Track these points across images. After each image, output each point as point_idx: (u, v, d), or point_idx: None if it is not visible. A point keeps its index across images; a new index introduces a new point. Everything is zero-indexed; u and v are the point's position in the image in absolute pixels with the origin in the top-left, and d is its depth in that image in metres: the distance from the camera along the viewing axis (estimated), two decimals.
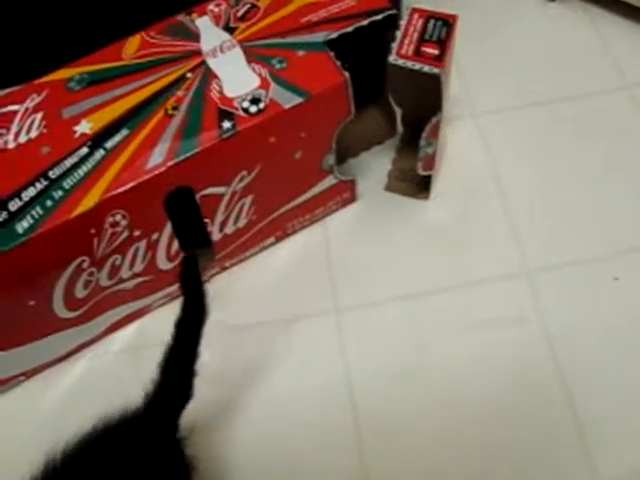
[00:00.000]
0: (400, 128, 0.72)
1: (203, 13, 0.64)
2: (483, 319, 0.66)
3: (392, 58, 0.59)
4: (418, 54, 0.59)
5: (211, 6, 0.65)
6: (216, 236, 0.64)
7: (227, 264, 0.69)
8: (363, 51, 0.64)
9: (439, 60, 0.58)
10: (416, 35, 0.60)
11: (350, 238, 0.71)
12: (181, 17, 0.64)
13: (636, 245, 0.69)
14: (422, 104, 0.61)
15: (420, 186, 0.72)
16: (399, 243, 0.70)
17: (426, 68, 0.58)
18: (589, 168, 0.74)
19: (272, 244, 0.70)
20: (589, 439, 0.60)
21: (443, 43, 0.59)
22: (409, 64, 0.59)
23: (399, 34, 0.60)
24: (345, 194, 0.71)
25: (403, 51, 0.59)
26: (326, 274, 0.69)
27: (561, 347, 0.64)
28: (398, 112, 0.71)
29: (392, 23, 0.63)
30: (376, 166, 0.74)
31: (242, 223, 0.65)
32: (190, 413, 0.53)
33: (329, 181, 0.68)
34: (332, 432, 0.62)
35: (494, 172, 0.74)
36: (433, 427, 0.62)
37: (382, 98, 0.71)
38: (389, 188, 0.73)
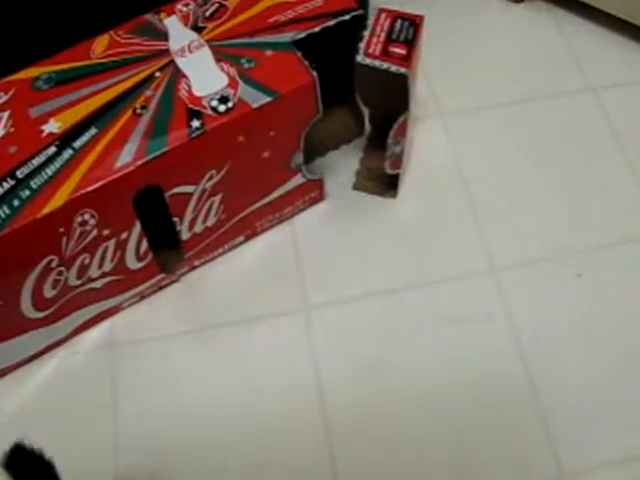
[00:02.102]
0: (368, 127, 0.73)
1: (171, 13, 0.64)
2: (451, 315, 0.67)
3: (360, 57, 0.60)
4: (385, 54, 0.59)
5: (179, 6, 0.65)
6: (185, 235, 0.64)
7: (196, 263, 0.69)
8: (331, 51, 0.65)
9: (406, 60, 0.59)
10: (383, 35, 0.61)
11: (318, 237, 0.71)
12: (149, 17, 0.64)
13: (599, 243, 0.71)
14: (389, 103, 0.62)
15: (388, 185, 0.72)
16: (367, 241, 0.71)
17: (393, 68, 0.59)
18: (553, 167, 0.75)
19: (241, 243, 0.70)
20: (554, 433, 0.61)
21: (410, 43, 0.60)
22: (377, 63, 0.59)
23: (367, 34, 0.61)
24: (313, 193, 0.71)
25: (371, 51, 0.60)
26: (295, 272, 0.69)
27: (527, 342, 0.65)
28: (366, 112, 0.71)
29: (359, 23, 0.63)
30: (344, 165, 0.75)
31: (211, 222, 0.65)
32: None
33: (297, 180, 0.68)
34: (301, 428, 0.62)
35: (461, 171, 0.75)
36: (401, 421, 0.62)
37: (350, 98, 0.72)
38: (357, 187, 0.73)
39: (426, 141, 0.76)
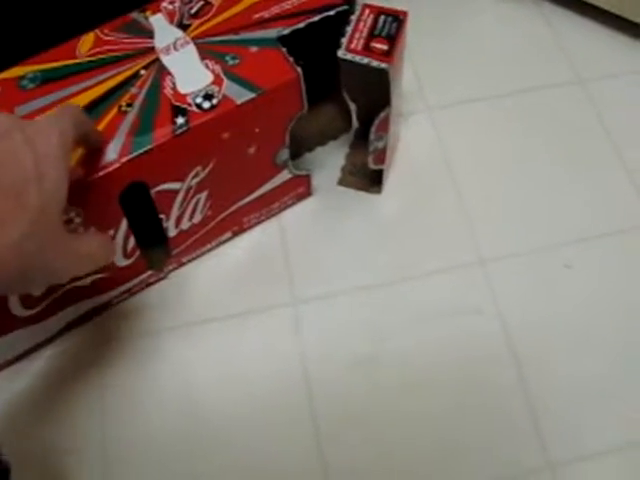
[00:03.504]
0: (355, 123, 0.73)
1: (157, 10, 0.64)
2: (439, 309, 0.67)
3: (341, 52, 0.60)
4: (367, 49, 0.59)
5: (165, 3, 0.65)
6: (172, 232, 0.65)
7: (184, 260, 0.69)
8: (316, 47, 0.65)
9: (388, 55, 0.59)
10: (366, 30, 0.61)
11: (306, 232, 0.71)
12: (135, 15, 0.64)
13: (587, 234, 0.71)
14: (372, 99, 0.62)
15: (372, 180, 0.73)
16: (355, 236, 0.71)
17: (374, 63, 0.59)
18: (542, 160, 0.76)
19: (229, 239, 0.71)
20: (543, 424, 0.61)
21: (393, 39, 0.60)
22: (357, 59, 0.59)
23: (349, 29, 0.61)
24: (300, 189, 0.71)
25: (352, 46, 0.60)
26: (283, 268, 0.69)
27: (517, 335, 0.66)
28: (353, 107, 0.71)
29: (344, 19, 0.64)
30: (331, 161, 0.75)
31: (198, 218, 0.65)
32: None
33: (284, 176, 0.68)
34: (289, 424, 0.63)
35: (447, 165, 0.75)
36: (390, 416, 0.63)
37: (337, 94, 0.72)
38: (342, 182, 0.74)
39: (413, 135, 0.77)
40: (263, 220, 0.72)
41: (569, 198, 0.73)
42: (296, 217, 0.72)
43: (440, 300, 0.68)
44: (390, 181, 0.74)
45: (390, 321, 0.67)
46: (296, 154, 0.72)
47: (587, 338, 0.66)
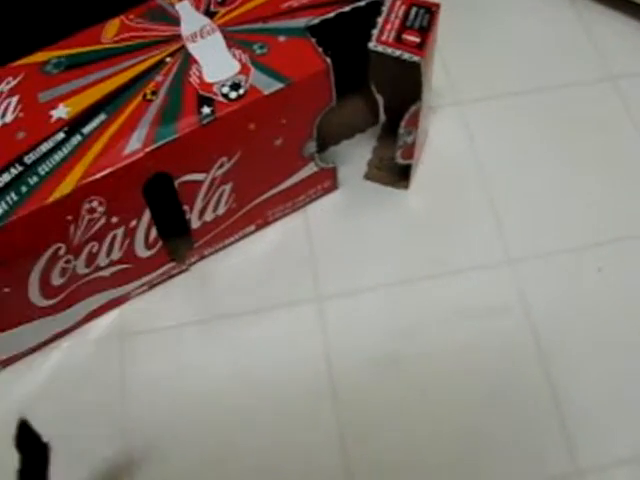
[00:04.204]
0: (382, 116, 0.72)
1: None
2: (466, 308, 0.66)
3: (372, 44, 0.59)
4: (399, 41, 0.58)
5: None
6: (195, 224, 0.64)
7: (206, 252, 0.68)
8: (346, 38, 0.63)
9: (420, 48, 0.58)
10: (397, 22, 0.59)
11: (331, 226, 0.70)
12: (161, 1, 0.63)
13: (619, 236, 0.70)
14: (402, 92, 0.61)
15: (399, 175, 0.71)
16: (381, 232, 0.70)
17: (406, 55, 0.58)
18: (573, 157, 0.74)
19: (252, 232, 0.70)
20: (571, 428, 0.60)
21: (425, 31, 0.59)
22: (389, 51, 0.58)
23: (380, 20, 0.60)
24: (326, 182, 0.70)
25: (384, 38, 0.59)
26: (307, 262, 0.68)
27: (545, 336, 0.64)
28: (380, 100, 0.70)
29: (375, 10, 0.62)
30: (358, 154, 0.74)
31: (222, 211, 0.64)
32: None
33: (310, 169, 0.67)
34: (313, 422, 0.62)
35: (477, 161, 0.74)
36: (415, 413, 0.62)
37: (365, 86, 0.71)
38: (368, 177, 0.73)
39: (442, 130, 0.75)
40: (288, 213, 0.70)
41: (600, 198, 0.72)
42: (321, 211, 0.71)
43: (467, 299, 0.67)
44: (418, 176, 0.72)
45: (415, 319, 0.66)
46: (322, 147, 0.71)
47: (616, 340, 0.65)
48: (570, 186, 0.72)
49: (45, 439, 0.46)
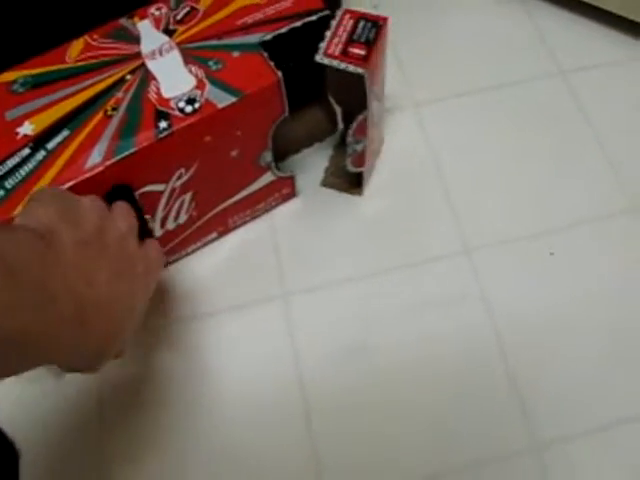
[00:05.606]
0: (341, 125, 0.74)
1: (144, 16, 0.66)
2: (426, 298, 0.69)
3: (319, 57, 0.61)
4: (345, 54, 0.61)
5: (152, 9, 0.67)
6: (158, 232, 0.66)
7: (170, 259, 0.71)
8: (300, 51, 0.66)
9: (365, 60, 0.60)
10: (345, 35, 0.62)
11: (292, 231, 0.73)
12: (123, 21, 0.66)
13: (570, 221, 0.73)
14: (352, 102, 0.64)
15: (353, 182, 0.74)
16: (341, 233, 0.73)
17: (351, 68, 0.60)
18: (526, 150, 0.77)
19: (215, 239, 0.72)
20: (530, 409, 0.63)
21: (371, 44, 0.61)
22: (335, 63, 0.61)
23: (328, 34, 0.62)
24: (285, 190, 0.73)
25: (330, 51, 0.61)
26: (271, 264, 0.71)
27: (504, 321, 0.67)
28: (338, 110, 0.73)
29: (326, 24, 0.65)
30: (317, 162, 0.76)
31: (183, 219, 0.67)
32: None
33: (267, 177, 0.70)
34: (281, 417, 0.64)
35: (434, 160, 0.77)
36: (381, 406, 0.64)
37: (323, 97, 0.73)
38: (325, 184, 0.75)
39: (398, 131, 0.78)
40: (248, 221, 0.73)
41: (552, 189, 0.75)
42: (282, 217, 0.74)
43: (428, 290, 0.69)
44: (375, 179, 0.75)
45: (379, 312, 0.68)
46: (283, 156, 0.74)
47: (573, 322, 0.67)
48: (523, 177, 0.76)
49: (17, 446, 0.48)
